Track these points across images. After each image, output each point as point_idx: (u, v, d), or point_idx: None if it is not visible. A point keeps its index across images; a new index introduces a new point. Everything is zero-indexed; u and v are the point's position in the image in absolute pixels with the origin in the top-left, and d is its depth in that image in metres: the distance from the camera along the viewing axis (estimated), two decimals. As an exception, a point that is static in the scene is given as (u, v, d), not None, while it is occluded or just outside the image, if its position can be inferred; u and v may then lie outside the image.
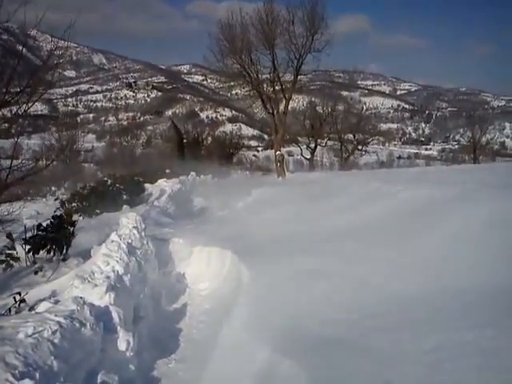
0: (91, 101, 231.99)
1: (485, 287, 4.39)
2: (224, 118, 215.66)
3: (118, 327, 4.78)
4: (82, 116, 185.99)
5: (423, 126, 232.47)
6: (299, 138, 47.26)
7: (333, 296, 5.02)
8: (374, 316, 4.32)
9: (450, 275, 4.88)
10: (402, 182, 11.82)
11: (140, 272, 6.56)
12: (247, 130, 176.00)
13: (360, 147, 45.44)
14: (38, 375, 3.47)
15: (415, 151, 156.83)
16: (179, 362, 5.08)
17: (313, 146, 43.86)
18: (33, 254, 8.07)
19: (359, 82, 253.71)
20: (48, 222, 8.61)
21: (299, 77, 26.10)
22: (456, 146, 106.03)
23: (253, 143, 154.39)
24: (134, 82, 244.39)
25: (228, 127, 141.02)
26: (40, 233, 8.19)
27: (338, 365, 3.52)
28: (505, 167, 19.98)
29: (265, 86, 26.31)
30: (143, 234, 7.61)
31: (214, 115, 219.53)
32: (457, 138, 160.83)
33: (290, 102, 26.89)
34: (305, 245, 7.34)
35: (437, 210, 7.53)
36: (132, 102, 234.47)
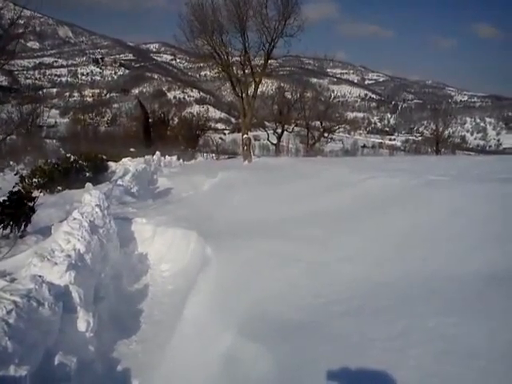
0: (55, 75, 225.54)
1: (449, 274, 4.44)
2: (192, 99, 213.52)
3: (78, 307, 4.64)
4: (45, 90, 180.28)
5: (389, 116, 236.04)
6: (266, 123, 47.17)
7: (299, 281, 5.00)
8: (340, 302, 4.32)
9: (415, 262, 4.92)
10: (367, 169, 11.90)
11: (102, 251, 6.40)
12: (215, 113, 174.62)
13: (326, 135, 45.66)
14: (-9, 355, 3.32)
15: (380, 141, 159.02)
16: (140, 343, 4.99)
17: (280, 131, 43.85)
18: (-13, 230, 7.78)
19: (328, 70, 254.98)
20: (5, 197, 8.30)
21: (270, 61, 25.93)
22: (419, 138, 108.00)
23: (220, 126, 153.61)
24: (101, 58, 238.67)
25: (195, 108, 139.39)
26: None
27: (303, 350, 3.51)
28: (465, 159, 20.41)
29: (235, 68, 26.04)
30: (106, 212, 7.41)
31: (181, 96, 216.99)
32: (421, 129, 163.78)
33: (259, 85, 26.72)
34: (271, 229, 7.30)
35: (403, 197, 7.60)
36: (98, 78, 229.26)
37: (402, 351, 3.16)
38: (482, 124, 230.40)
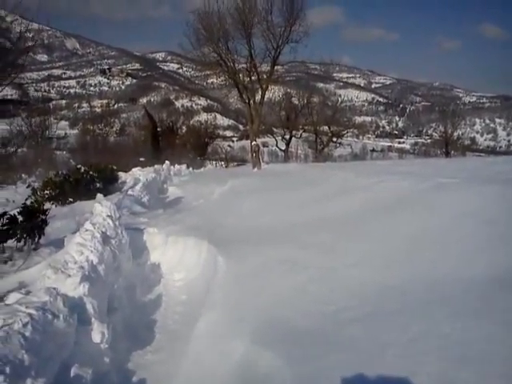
0: (64, 87, 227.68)
1: (460, 277, 4.43)
2: (199, 107, 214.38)
3: (93, 319, 4.67)
4: (54, 102, 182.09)
5: (397, 119, 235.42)
6: (274, 129, 47.24)
7: (309, 287, 5.01)
8: (349, 308, 4.31)
9: (425, 265, 4.91)
10: (376, 173, 11.89)
11: (114, 262, 6.43)
12: (222, 120, 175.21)
13: (335, 139, 45.64)
14: (8, 369, 3.35)
15: (388, 144, 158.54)
16: (155, 353, 5.00)
17: (288, 137, 43.92)
18: (1, 243, 7.85)
19: (335, 75, 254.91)
20: (18, 209, 8.38)
21: (276, 67, 25.97)
22: (428, 140, 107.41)
23: (228, 133, 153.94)
24: (108, 69, 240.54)
25: (203, 116, 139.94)
26: (7, 221, 7.95)
27: (316, 357, 3.50)
28: (475, 161, 20.31)
29: (241, 75, 26.09)
30: (117, 223, 7.45)
31: (189, 104, 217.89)
32: (429, 132, 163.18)
33: (266, 92, 26.77)
34: (281, 235, 7.31)
35: (412, 201, 7.60)
36: (106, 88, 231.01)
37: (417, 357, 3.14)
38: (491, 125, 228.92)
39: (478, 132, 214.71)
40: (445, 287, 4.30)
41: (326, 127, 45.20)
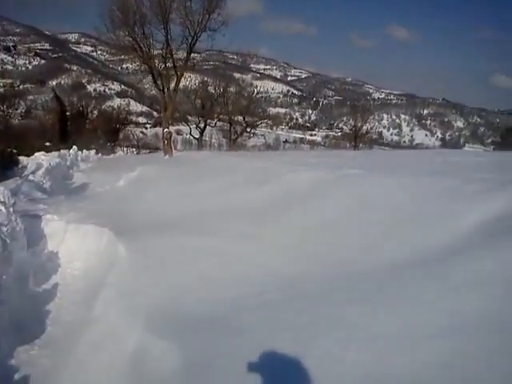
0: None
1: (359, 264, 4.57)
2: (112, 92, 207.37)
3: (-28, 312, 4.30)
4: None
5: (310, 112, 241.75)
6: (189, 117, 46.81)
7: (213, 274, 4.97)
8: (252, 295, 4.32)
9: (329, 252, 5.03)
10: (288, 163, 12.07)
11: (4, 251, 5.99)
12: (136, 106, 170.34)
13: (249, 130, 46.06)
14: None
15: (301, 136, 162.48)
16: (43, 347, 4.69)
17: (202, 125, 43.71)
18: None
19: (252, 66, 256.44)
20: None
21: (192, 55, 25.59)
22: (339, 133, 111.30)
23: (141, 120, 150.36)
24: (13, 46, 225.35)
25: (116, 102, 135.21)
26: None
27: (212, 344, 3.46)
28: (380, 154, 21.32)
29: (156, 61, 25.44)
30: (11, 209, 6.96)
31: (102, 88, 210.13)
32: (340, 125, 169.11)
33: (182, 79, 26.35)
34: (188, 223, 7.21)
35: (320, 190, 7.77)
36: (10, 67, 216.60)
37: (310, 340, 3.18)
38: (397, 120, 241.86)
39: (385, 127, 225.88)
40: (344, 273, 4.41)
41: (241, 117, 45.46)
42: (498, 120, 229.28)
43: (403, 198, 6.28)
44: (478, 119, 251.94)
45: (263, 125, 51.19)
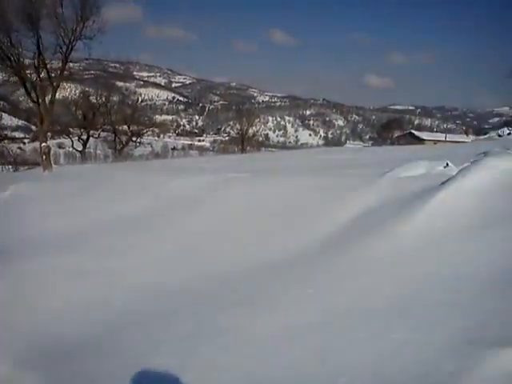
0: None
1: (240, 268, 4.69)
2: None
3: None
4: None
5: (197, 118, 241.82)
6: (71, 129, 44.72)
7: (89, 294, 4.72)
8: (131, 311, 4.22)
9: (206, 260, 5.07)
10: (173, 171, 12.05)
11: None
12: (11, 120, 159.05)
13: (134, 139, 45.08)
14: None
15: (189, 142, 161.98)
16: None
17: (85, 137, 42.00)
18: None
19: (135, 73, 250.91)
20: None
21: (69, 64, 24.46)
22: (227, 138, 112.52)
23: (18, 134, 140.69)
24: None
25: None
26: None
27: (85, 371, 3.32)
28: (266, 155, 21.94)
29: (28, 72, 23.98)
30: None
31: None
32: (227, 129, 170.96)
33: (61, 90, 25.10)
34: (69, 241, 6.81)
35: (206, 197, 7.81)
36: None
37: (191, 350, 3.20)
38: (282, 122, 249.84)
39: (270, 129, 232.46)
40: (226, 278, 4.51)
41: (126, 126, 44.35)
42: (373, 117, 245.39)
43: (285, 198, 6.56)
44: (357, 117, 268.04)
45: (149, 133, 50.37)
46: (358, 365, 2.64)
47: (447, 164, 6.47)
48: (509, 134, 23.29)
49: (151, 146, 53.92)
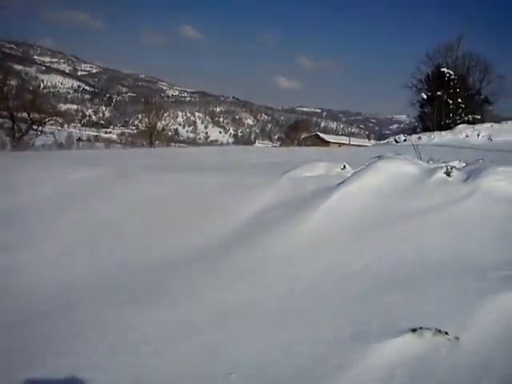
0: None
1: (138, 266, 4.59)
2: None
3: None
4: None
5: (104, 109, 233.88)
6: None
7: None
8: (16, 310, 3.91)
9: (105, 255, 4.93)
10: (75, 164, 11.53)
11: None
12: None
13: (35, 127, 42.63)
14: None
15: (95, 134, 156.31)
16: None
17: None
18: None
19: (36, 57, 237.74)
20: None
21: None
22: (135, 131, 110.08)
23: None
24: None
25: None
26: None
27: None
28: (174, 150, 21.56)
29: None
30: None
31: None
32: (136, 122, 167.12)
33: None
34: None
35: (100, 190, 7.44)
36: None
37: (82, 349, 3.04)
38: (192, 118, 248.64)
39: (180, 124, 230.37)
40: (124, 276, 4.38)
41: (26, 113, 41.82)
42: (282, 118, 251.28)
43: (185, 195, 6.49)
44: (266, 117, 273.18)
45: (52, 122, 47.79)
46: (250, 361, 2.68)
47: (344, 166, 6.75)
48: (404, 140, 24.83)
49: (54, 136, 51.12)
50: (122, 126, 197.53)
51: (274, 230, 4.79)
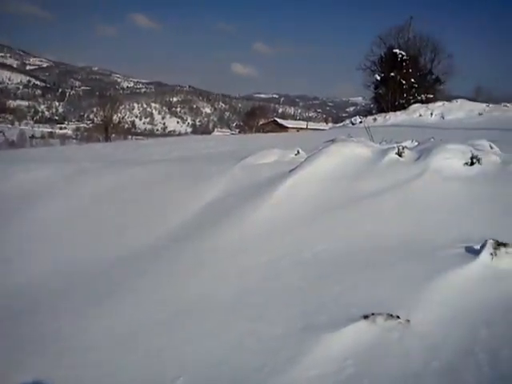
0: None
1: (87, 267, 4.42)
2: None
3: None
4: None
5: (57, 104, 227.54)
6: None
7: None
8: None
9: (55, 255, 4.76)
10: (28, 161, 11.12)
11: None
12: None
13: (-16, 125, 41.11)
14: None
15: (50, 130, 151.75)
16: None
17: None
18: None
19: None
20: None
21: None
22: (90, 125, 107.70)
23: None
24: None
25: None
26: None
27: None
28: (130, 144, 21.13)
29: None
30: None
31: None
32: (91, 116, 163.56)
33: None
34: None
35: (56, 188, 7.26)
36: None
37: (27, 358, 2.91)
38: (148, 109, 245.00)
39: (137, 116, 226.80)
40: (70, 279, 4.21)
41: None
42: (240, 105, 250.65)
43: (137, 189, 6.30)
44: (223, 105, 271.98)
45: (0, 119, 46.13)
46: (199, 363, 2.58)
47: (298, 151, 6.70)
48: (360, 122, 25.01)
49: (3, 135, 49.36)
50: (77, 121, 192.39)
51: (227, 219, 4.69)
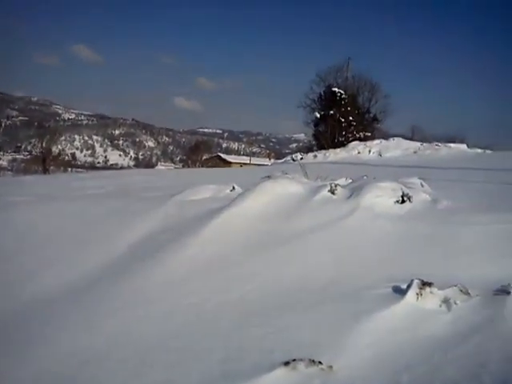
0: None
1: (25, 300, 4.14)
2: None
3: None
4: None
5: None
6: None
7: None
8: None
9: None
10: None
11: None
12: None
13: None
14: None
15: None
16: None
17: None
18: None
19: None
20: None
21: None
22: (28, 157, 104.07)
23: None
24: None
25: None
26: None
27: None
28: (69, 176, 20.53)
29: None
30: None
31: None
32: (29, 148, 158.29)
33: None
34: None
35: None
36: None
37: None
38: (90, 141, 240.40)
39: (77, 148, 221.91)
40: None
41: None
42: (183, 139, 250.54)
43: (68, 223, 6.07)
44: (167, 139, 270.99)
45: None
46: None
47: (233, 187, 6.63)
48: (301, 158, 25.52)
49: None
50: (14, 152, 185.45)
51: (154, 257, 4.50)
